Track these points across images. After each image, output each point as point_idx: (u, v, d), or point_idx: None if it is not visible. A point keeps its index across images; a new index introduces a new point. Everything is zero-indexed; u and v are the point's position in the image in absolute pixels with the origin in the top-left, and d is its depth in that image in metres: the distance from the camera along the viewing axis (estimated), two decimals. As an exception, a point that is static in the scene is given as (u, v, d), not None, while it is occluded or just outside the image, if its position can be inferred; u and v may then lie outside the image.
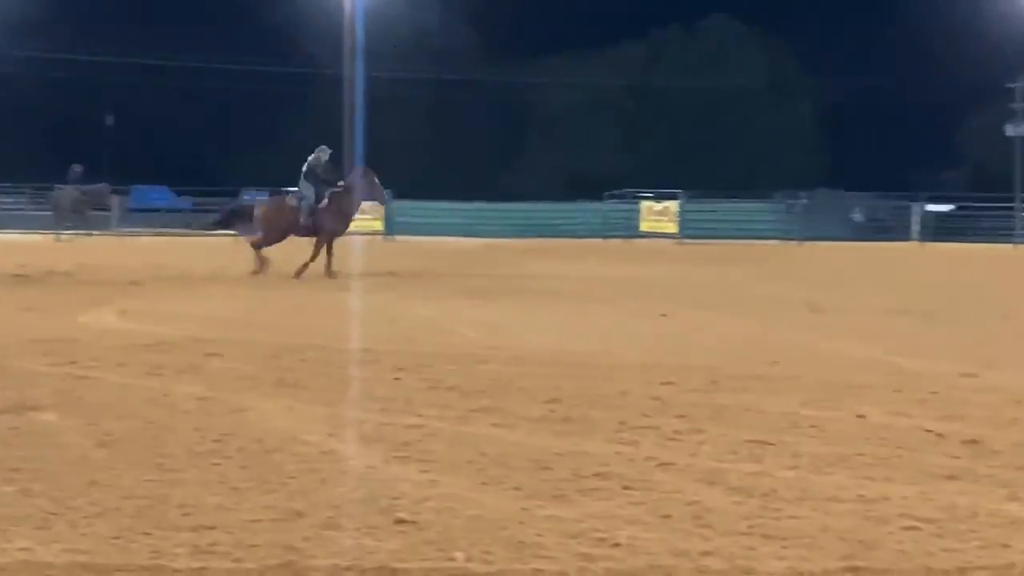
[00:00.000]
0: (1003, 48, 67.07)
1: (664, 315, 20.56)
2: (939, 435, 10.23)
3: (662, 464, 9.11)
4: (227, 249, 34.78)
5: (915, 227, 55.47)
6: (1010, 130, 67.21)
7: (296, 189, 30.34)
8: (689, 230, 57.73)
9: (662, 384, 12.76)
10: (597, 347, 16.19)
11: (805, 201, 61.30)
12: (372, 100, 68.45)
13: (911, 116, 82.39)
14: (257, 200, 37.87)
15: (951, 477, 8.75)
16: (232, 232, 33.89)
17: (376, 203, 36.73)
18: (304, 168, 30.21)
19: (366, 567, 6.64)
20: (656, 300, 23.36)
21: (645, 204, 61.75)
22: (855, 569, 6.59)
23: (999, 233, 54.89)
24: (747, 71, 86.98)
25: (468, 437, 10.08)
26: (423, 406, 11.44)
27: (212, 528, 7.18)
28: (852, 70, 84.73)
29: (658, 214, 60.91)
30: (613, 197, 63.69)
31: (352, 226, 31.05)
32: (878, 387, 12.74)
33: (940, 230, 56.92)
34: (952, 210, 61.72)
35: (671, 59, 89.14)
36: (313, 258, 29.27)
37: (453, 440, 9.94)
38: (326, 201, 29.89)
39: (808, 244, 52.09)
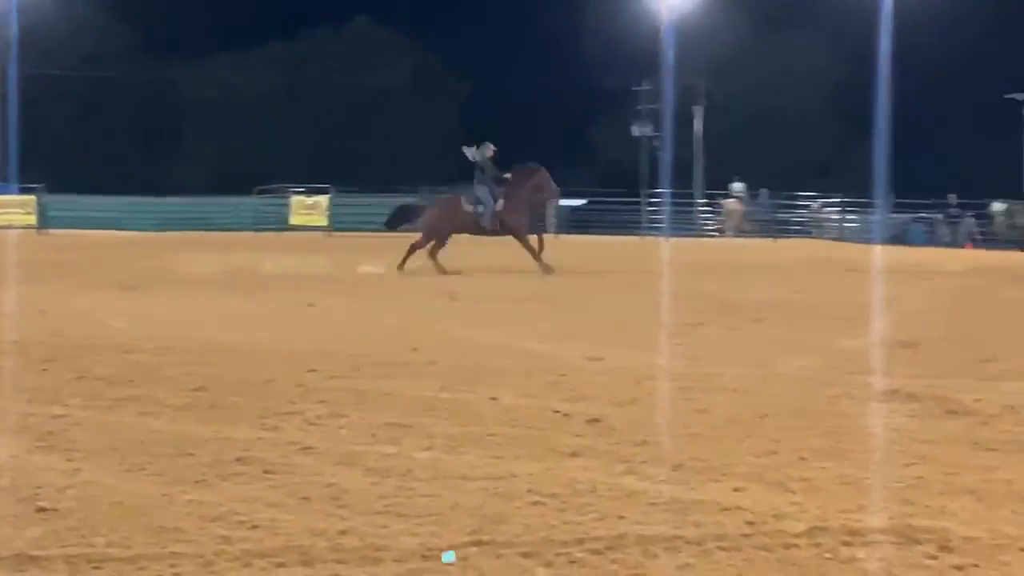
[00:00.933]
0: (630, 53, 68.95)
1: (312, 304, 20.47)
2: (565, 415, 10.48)
3: (303, 448, 9.11)
4: None
5: (551, 220, 56.46)
6: (635, 130, 69.18)
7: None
8: (339, 223, 57.64)
9: (307, 371, 12.75)
10: (245, 336, 16.03)
11: (449, 196, 61.75)
12: (27, 96, 66.50)
13: (547, 116, 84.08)
14: (429, 199, 36.76)
15: (574, 454, 8.98)
16: (398, 230, 32.74)
17: (552, 200, 34.42)
18: (476, 160, 30.35)
19: (3, 555, 6.46)
20: (304, 290, 23.25)
21: (296, 198, 61.38)
22: (481, 543, 6.70)
23: (627, 226, 56.47)
24: (391, 72, 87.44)
25: (113, 425, 9.91)
26: (70, 396, 11.18)
27: None
28: (492, 72, 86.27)
29: (308, 208, 60.64)
30: (265, 192, 63.18)
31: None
32: (510, 371, 12.96)
33: (574, 223, 58.32)
34: (584, 204, 63.22)
35: (320, 59, 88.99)
36: (536, 257, 29.41)
37: (98, 429, 9.75)
38: (502, 201, 29.71)
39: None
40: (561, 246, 45.51)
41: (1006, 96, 53.25)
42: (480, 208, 29.75)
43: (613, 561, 6.42)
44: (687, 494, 7.81)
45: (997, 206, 50.55)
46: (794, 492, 7.91)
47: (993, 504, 7.65)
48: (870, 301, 22.46)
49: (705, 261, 30.76)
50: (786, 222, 56.67)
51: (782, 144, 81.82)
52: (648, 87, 68.48)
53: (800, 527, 7.04)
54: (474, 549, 6.60)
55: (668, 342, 15.76)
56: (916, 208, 52.27)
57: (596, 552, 6.56)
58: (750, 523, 7.15)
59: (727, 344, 15.74)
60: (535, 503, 7.57)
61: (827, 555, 6.57)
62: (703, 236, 56.14)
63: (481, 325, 17.60)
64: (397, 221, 32.20)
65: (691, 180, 67.49)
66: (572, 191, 63.73)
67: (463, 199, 30.41)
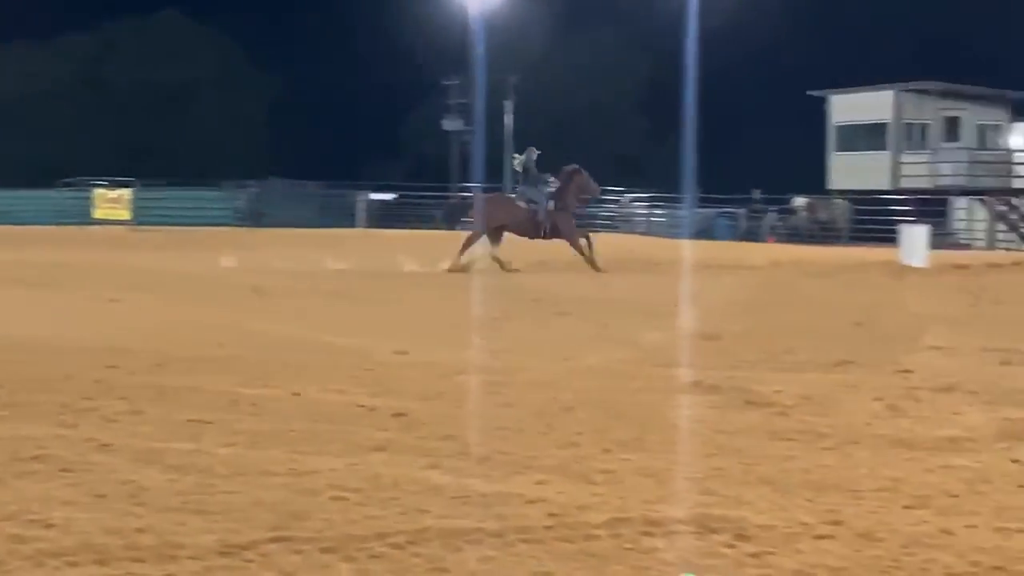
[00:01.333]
0: (440, 47, 69.05)
1: (114, 300, 20.13)
2: (370, 409, 10.44)
3: (101, 445, 8.94)
4: None
5: (360, 214, 56.38)
6: (446, 124, 69.23)
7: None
8: (143, 217, 56.87)
9: (107, 367, 12.53)
10: (45, 331, 15.70)
11: (256, 189, 61.44)
12: None
13: (357, 110, 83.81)
14: (476, 196, 36.18)
15: (379, 449, 8.95)
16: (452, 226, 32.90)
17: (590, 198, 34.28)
18: (520, 170, 31.36)
19: None
20: (107, 285, 22.84)
21: (99, 192, 60.45)
22: (282, 539, 6.63)
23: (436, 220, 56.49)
24: (198, 65, 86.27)
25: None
26: None
27: None
28: (302, 66, 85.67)
29: (112, 201, 59.79)
30: (67, 185, 62.08)
31: None
32: (315, 365, 12.88)
33: (384, 217, 58.15)
34: (395, 198, 63.18)
35: (124, 51, 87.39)
36: (589, 260, 29.76)
37: None
38: (552, 203, 30.50)
39: (260, 230, 52.04)
40: (369, 239, 45.43)
41: (808, 93, 54.24)
42: (534, 207, 30.41)
43: (415, 555, 6.41)
44: (491, 487, 7.82)
45: (799, 201, 51.63)
46: (597, 484, 7.98)
47: (789, 493, 7.79)
48: (675, 295, 22.74)
49: (515, 255, 30.87)
50: (594, 216, 57.19)
51: (590, 139, 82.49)
52: (458, 82, 68.54)
53: (601, 518, 7.10)
54: (274, 546, 6.52)
55: (475, 336, 15.79)
56: (721, 203, 53.09)
57: (398, 546, 6.54)
58: (553, 515, 7.18)
59: (533, 338, 15.82)
60: (337, 498, 7.52)
61: (627, 545, 6.63)
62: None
63: (288, 321, 17.48)
64: (453, 218, 33.09)
65: (502, 174, 67.71)
66: (382, 185, 63.80)
67: (516, 198, 31.27)
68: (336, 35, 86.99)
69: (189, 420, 9.86)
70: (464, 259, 29.10)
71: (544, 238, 30.59)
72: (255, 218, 55.42)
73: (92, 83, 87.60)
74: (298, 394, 11.12)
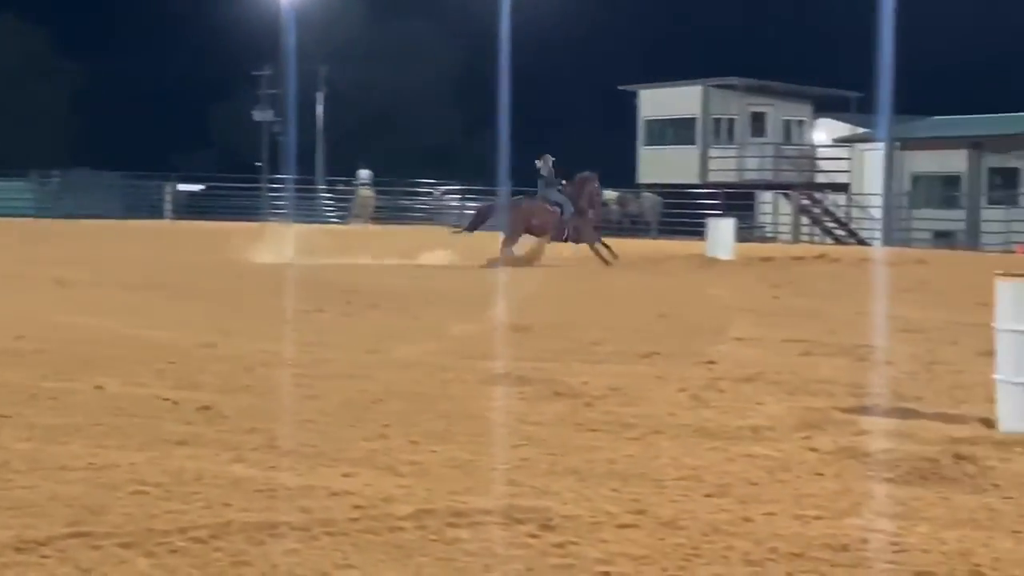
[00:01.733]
0: (250, 38, 68.36)
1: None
2: (175, 403, 10.32)
3: None
4: None
5: (167, 205, 55.66)
6: (257, 115, 68.57)
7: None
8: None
9: (-99, 361, 12.22)
10: None
11: (59, 179, 60.32)
12: None
13: (166, 100, 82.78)
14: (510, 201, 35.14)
15: (182, 442, 8.84)
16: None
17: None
18: (544, 174, 32.09)
19: None
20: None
21: None
22: (80, 534, 6.51)
23: (248, 211, 55.91)
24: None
25: None
26: None
27: None
28: (109, 55, 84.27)
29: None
30: None
31: None
32: (119, 359, 12.69)
33: (192, 208, 57.43)
34: (202, 189, 62.48)
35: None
36: (605, 259, 30.93)
37: None
38: (573, 210, 31.29)
39: (65, 221, 51.05)
40: (177, 231, 44.88)
41: (620, 87, 54.81)
42: (559, 211, 31.29)
43: (216, 549, 6.33)
44: (296, 480, 7.77)
45: (609, 194, 52.10)
46: (403, 476, 7.97)
47: (594, 483, 7.86)
48: (487, 288, 22.80)
49: (327, 246, 30.73)
50: (408, 208, 57.22)
51: (403, 132, 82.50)
52: (269, 72, 67.96)
53: (407, 510, 7.09)
54: (72, 541, 6.39)
55: (284, 328, 15.68)
56: (532, 193, 53.28)
57: (199, 541, 6.46)
58: (358, 507, 7.16)
59: (343, 330, 15.78)
60: (138, 492, 7.41)
61: (432, 537, 6.63)
62: (327, 223, 56.06)
63: (93, 313, 17.20)
64: (478, 222, 33.15)
65: (313, 166, 67.37)
66: (190, 176, 63.00)
67: (543, 203, 31.82)
68: (144, 24, 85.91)
69: (-13, 415, 9.66)
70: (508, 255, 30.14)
71: (565, 241, 31.70)
72: (60, 208, 54.19)
73: None
74: (100, 388, 10.94)
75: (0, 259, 27.83)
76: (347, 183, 59.08)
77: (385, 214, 55.44)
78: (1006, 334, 9.98)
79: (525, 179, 50.18)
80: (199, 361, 12.69)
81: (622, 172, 54.24)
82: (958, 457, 8.53)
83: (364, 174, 58.30)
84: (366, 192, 56.48)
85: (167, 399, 10.46)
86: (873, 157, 46.80)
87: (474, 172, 57.50)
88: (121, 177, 61.70)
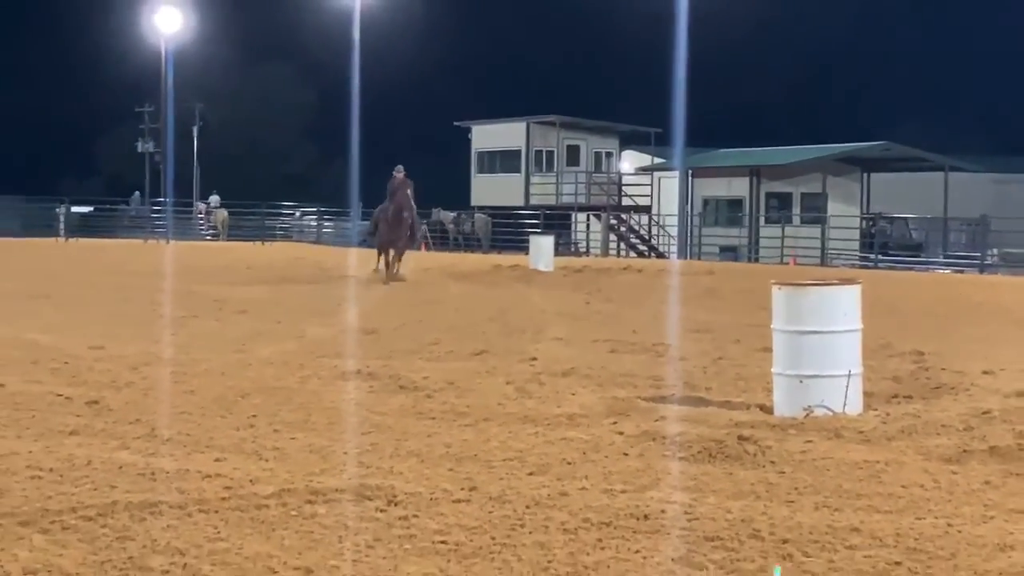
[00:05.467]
0: (133, 77, 67.33)
1: None
2: (67, 398, 10.14)
3: None
4: None
5: (61, 225, 54.47)
6: (140, 146, 67.69)
7: None
8: None
9: None
10: None
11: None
12: None
13: (57, 131, 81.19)
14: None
15: (73, 433, 8.70)
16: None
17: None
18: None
19: None
20: None
21: None
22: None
23: (131, 230, 55.04)
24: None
25: None
26: None
27: None
28: (20, 81, 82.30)
29: None
30: None
31: None
32: (17, 360, 12.41)
33: (82, 228, 56.33)
34: (92, 211, 61.41)
35: None
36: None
37: None
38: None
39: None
40: (69, 248, 43.96)
41: (455, 123, 54.90)
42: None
43: (104, 526, 6.24)
44: (173, 465, 7.68)
45: (446, 214, 52.11)
46: (267, 460, 7.92)
47: (433, 464, 7.88)
48: (340, 296, 22.72)
49: (199, 263, 30.36)
50: (272, 228, 56.79)
51: (267, 161, 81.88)
52: (151, 108, 66.97)
53: (270, 489, 7.04)
54: (-26, 521, 6.27)
55: (163, 333, 15.47)
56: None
57: (88, 519, 6.36)
58: (228, 488, 7.10)
59: (214, 334, 15.58)
60: (34, 477, 7.27)
61: (293, 513, 6.59)
62: (202, 240, 55.35)
63: (-8, 319, 16.77)
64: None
65: (191, 191, 66.56)
66: (81, 199, 61.78)
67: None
68: (35, 61, 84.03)
69: None
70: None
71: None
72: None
73: None
74: (1, 385, 10.69)
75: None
76: (206, 205, 58.91)
77: (245, 233, 54.88)
78: (780, 334, 10.19)
79: (374, 201, 50.25)
80: (88, 361, 12.46)
81: (457, 196, 54.33)
82: (741, 439, 8.66)
83: (214, 199, 58.20)
84: (221, 213, 56.24)
85: (60, 395, 10.27)
86: (670, 183, 47.24)
87: (329, 196, 57.20)
88: (19, 200, 60.29)
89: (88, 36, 75.64)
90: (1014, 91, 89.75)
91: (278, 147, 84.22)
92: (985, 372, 12.33)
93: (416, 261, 31.16)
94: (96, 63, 73.19)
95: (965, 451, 8.43)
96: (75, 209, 58.84)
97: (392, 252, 27.39)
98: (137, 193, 61.29)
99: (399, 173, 26.70)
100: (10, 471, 7.43)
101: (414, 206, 27.10)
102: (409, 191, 26.48)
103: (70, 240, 50.60)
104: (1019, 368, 12.74)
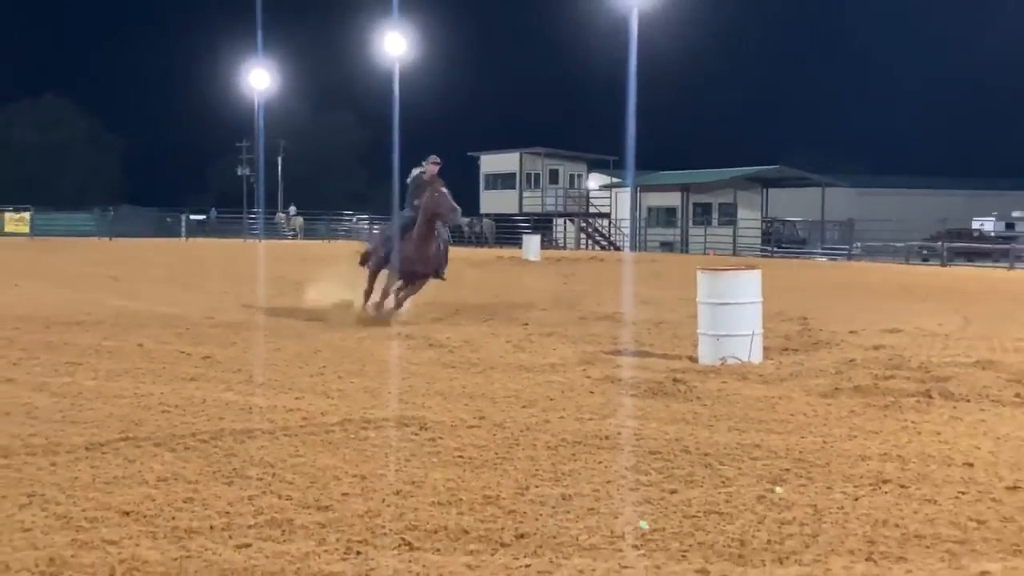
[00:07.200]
0: (236, 119, 66.93)
1: (17, 285, 18.96)
2: (187, 354, 10.10)
3: (7, 380, 8.42)
4: None
5: (183, 229, 54.24)
6: (239, 171, 67.18)
7: None
8: (36, 231, 53.17)
9: (13, 329, 11.79)
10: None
11: (112, 212, 58.34)
12: None
13: (180, 159, 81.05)
14: None
15: (192, 379, 8.67)
16: None
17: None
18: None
19: None
20: (11, 275, 21.44)
21: (7, 215, 56.27)
22: (128, 439, 6.37)
23: (238, 232, 54.82)
24: (68, 130, 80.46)
25: None
26: None
27: None
28: (143, 130, 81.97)
29: (16, 221, 55.85)
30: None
31: None
32: (151, 326, 12.37)
33: (199, 231, 56.11)
34: (205, 219, 61.21)
35: (20, 123, 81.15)
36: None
37: None
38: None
39: (116, 240, 49.43)
40: (188, 247, 43.83)
41: (469, 153, 54.79)
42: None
43: (215, 446, 6.25)
44: (265, 402, 7.68)
45: (462, 219, 52.10)
46: (333, 398, 7.91)
47: (453, 400, 7.88)
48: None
49: (283, 256, 30.29)
50: (335, 230, 56.71)
51: (332, 182, 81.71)
52: (247, 143, 66.74)
53: (336, 419, 7.05)
54: (122, 443, 6.27)
55: (258, 306, 15.44)
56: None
57: (203, 441, 6.37)
58: (304, 418, 7.10)
59: (295, 308, 15.52)
60: (164, 411, 7.27)
61: (351, 436, 6.60)
62: (284, 239, 55.16)
63: (134, 298, 16.75)
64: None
65: (275, 203, 66.37)
66: (197, 209, 61.63)
67: None
68: (167, 110, 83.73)
69: (67, 362, 9.38)
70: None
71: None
72: (112, 231, 52.33)
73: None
74: (141, 345, 10.69)
75: (74, 264, 27.04)
76: (286, 214, 59.16)
77: (316, 234, 54.98)
78: (703, 305, 10.20)
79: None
80: (203, 327, 12.44)
81: (471, 206, 54.23)
82: (675, 380, 8.68)
83: (292, 209, 58.75)
84: (298, 220, 56.79)
85: (183, 352, 10.25)
86: (624, 196, 47.18)
87: (378, 207, 57.04)
88: (152, 211, 60.21)
89: (201, 89, 75.20)
90: (875, 127, 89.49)
91: (340, 170, 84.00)
92: (851, 332, 12.36)
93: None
94: (208, 110, 72.65)
95: (836, 389, 8.46)
96: (193, 216, 58.68)
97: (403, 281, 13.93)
98: (213, 209, 61.44)
99: (434, 164, 13.86)
100: (147, 407, 7.44)
101: (456, 206, 13.84)
102: (443, 188, 13.64)
103: (189, 240, 50.44)
104: (876, 329, 12.76)
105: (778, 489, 4.88)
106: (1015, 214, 47.99)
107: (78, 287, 19.10)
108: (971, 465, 5.98)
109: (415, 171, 14.17)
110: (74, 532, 4.59)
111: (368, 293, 13.75)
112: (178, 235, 53.02)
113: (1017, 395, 8.18)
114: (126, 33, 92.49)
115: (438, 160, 14.02)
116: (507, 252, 38.61)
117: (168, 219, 57.60)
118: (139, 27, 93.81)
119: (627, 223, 46.44)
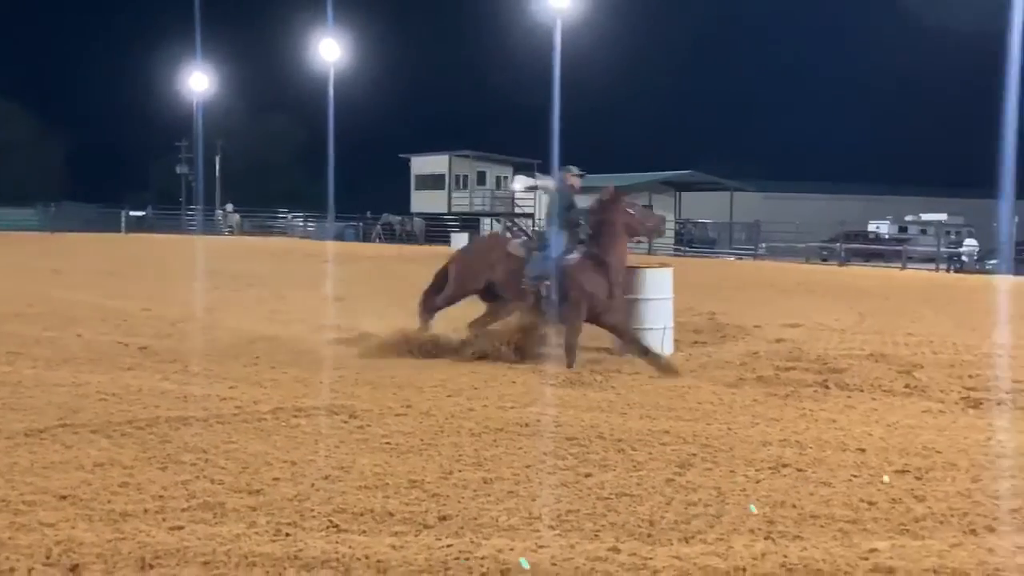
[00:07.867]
0: (176, 118, 65.62)
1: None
2: (125, 345, 9.94)
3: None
4: None
5: (123, 224, 53.19)
6: (178, 169, 66.24)
7: None
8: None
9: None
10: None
11: (54, 208, 56.98)
12: None
13: (119, 157, 79.24)
14: None
15: (130, 368, 8.53)
16: None
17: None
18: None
19: None
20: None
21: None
22: (65, 425, 6.23)
23: (176, 228, 53.89)
24: (8, 129, 78.33)
25: None
26: None
27: None
28: (88, 127, 79.93)
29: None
30: None
31: None
32: (90, 318, 12.12)
33: (138, 226, 55.07)
34: (145, 215, 60.08)
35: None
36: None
37: None
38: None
39: (56, 234, 48.19)
40: (129, 242, 42.97)
41: (400, 155, 54.47)
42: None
43: (150, 433, 6.14)
44: (199, 391, 7.56)
45: (393, 218, 51.82)
46: (266, 387, 7.82)
47: (382, 389, 7.83)
48: (320, 273, 22.47)
49: (224, 249, 29.84)
50: (271, 227, 56.16)
51: (268, 180, 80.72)
52: (186, 142, 65.65)
53: (268, 408, 6.97)
54: (60, 429, 6.13)
55: (196, 299, 15.20)
56: (348, 218, 52.69)
57: (139, 428, 6.26)
58: (238, 407, 7.01)
59: (234, 301, 15.31)
60: (101, 399, 7.13)
61: (283, 423, 6.54)
62: (221, 235, 54.40)
63: (75, 290, 16.37)
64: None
65: (214, 200, 65.39)
66: (136, 206, 60.52)
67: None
68: (106, 108, 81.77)
69: (7, 352, 9.15)
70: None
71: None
72: (54, 226, 51.07)
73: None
74: (80, 335, 10.48)
75: (16, 257, 26.33)
76: (223, 211, 58.53)
77: (255, 230, 54.45)
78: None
79: (344, 208, 49.77)
80: (140, 319, 12.23)
81: (402, 205, 54.09)
82: (592, 371, 8.75)
83: (229, 206, 58.37)
84: (235, 216, 56.33)
85: (120, 342, 10.08)
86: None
87: (312, 205, 56.48)
88: (87, 207, 59.01)
89: (142, 90, 73.54)
90: (780, 135, 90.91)
91: (277, 169, 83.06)
92: (756, 326, 12.55)
93: (375, 250, 30.93)
94: (149, 110, 71.07)
95: (741, 379, 8.59)
96: (132, 212, 57.54)
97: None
98: (149, 206, 60.71)
99: (578, 176, 10.59)
100: (84, 395, 7.28)
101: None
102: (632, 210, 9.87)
103: (128, 235, 49.46)
104: (778, 323, 12.98)
105: (752, 508, 4.75)
106: (908, 218, 49.22)
107: (20, 279, 18.60)
108: (863, 450, 6.13)
109: (545, 184, 10.47)
110: (12, 515, 4.49)
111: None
112: (118, 230, 51.92)
113: (907, 386, 8.40)
114: (69, 34, 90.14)
115: (582, 172, 10.47)
116: (437, 249, 38.49)
117: (107, 215, 56.41)
118: (82, 28, 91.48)
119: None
